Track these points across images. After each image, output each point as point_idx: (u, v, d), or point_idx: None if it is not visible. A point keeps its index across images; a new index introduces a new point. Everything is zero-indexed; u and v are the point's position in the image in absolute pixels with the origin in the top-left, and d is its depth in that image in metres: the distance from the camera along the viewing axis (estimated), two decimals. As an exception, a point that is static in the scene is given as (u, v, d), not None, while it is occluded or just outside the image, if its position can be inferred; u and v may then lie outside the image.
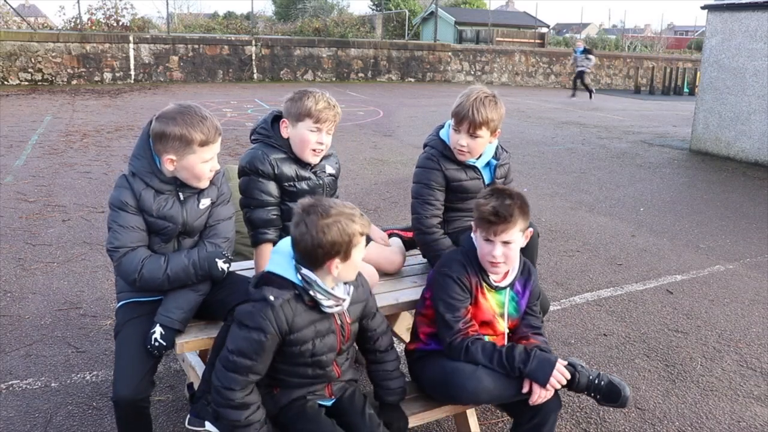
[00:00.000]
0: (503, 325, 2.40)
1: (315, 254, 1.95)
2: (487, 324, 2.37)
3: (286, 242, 2.07)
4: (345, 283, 2.09)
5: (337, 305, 2.04)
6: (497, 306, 2.37)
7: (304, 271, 1.98)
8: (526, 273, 2.45)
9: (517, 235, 2.24)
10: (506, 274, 2.37)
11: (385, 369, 2.31)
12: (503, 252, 2.22)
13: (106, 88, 17.13)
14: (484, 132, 2.63)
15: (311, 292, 1.98)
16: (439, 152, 2.74)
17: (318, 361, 2.07)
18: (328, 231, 1.92)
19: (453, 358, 2.29)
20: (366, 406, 2.19)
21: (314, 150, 2.56)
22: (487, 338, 2.40)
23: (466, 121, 2.59)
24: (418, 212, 2.74)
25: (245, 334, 1.95)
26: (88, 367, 3.18)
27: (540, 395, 2.19)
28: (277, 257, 2.05)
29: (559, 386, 2.19)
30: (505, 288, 2.37)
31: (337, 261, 1.97)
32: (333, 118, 2.56)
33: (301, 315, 1.99)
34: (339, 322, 2.09)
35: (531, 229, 2.35)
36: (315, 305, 2.01)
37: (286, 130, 2.57)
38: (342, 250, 1.95)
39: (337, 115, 2.57)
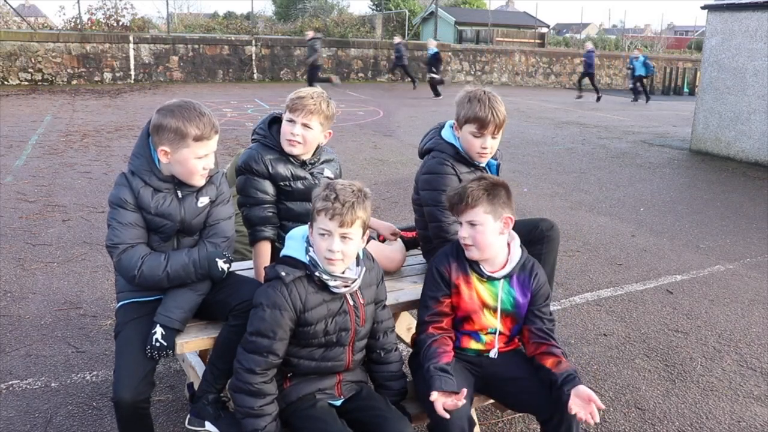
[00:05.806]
0: (492, 320, 2.33)
1: None
2: (471, 317, 2.33)
3: (299, 229, 2.17)
4: (357, 265, 2.14)
5: (345, 286, 2.08)
6: (490, 298, 2.31)
7: (312, 252, 2.05)
8: (528, 269, 2.38)
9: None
10: (505, 264, 2.33)
11: (389, 370, 2.32)
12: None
13: (106, 88, 17.13)
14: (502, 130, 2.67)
15: (317, 273, 2.04)
16: (451, 156, 2.67)
17: (331, 340, 2.11)
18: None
19: (417, 350, 2.32)
20: (388, 399, 2.22)
21: (289, 141, 2.55)
22: (483, 338, 2.37)
23: (492, 124, 2.57)
24: (439, 220, 2.64)
25: (261, 314, 2.02)
26: (88, 367, 3.18)
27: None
28: (290, 242, 2.15)
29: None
30: (499, 279, 2.32)
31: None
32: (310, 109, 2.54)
33: (313, 294, 2.05)
34: (352, 302, 2.13)
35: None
36: (324, 285, 2.06)
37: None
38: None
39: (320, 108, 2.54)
